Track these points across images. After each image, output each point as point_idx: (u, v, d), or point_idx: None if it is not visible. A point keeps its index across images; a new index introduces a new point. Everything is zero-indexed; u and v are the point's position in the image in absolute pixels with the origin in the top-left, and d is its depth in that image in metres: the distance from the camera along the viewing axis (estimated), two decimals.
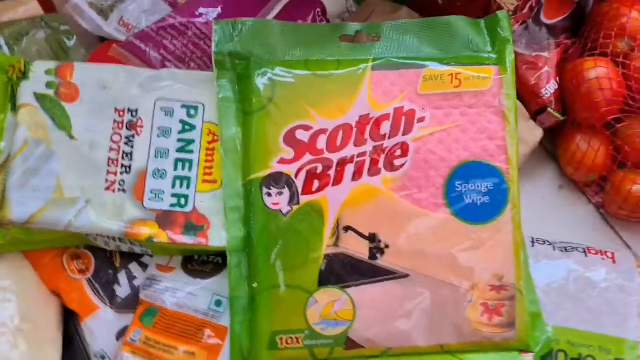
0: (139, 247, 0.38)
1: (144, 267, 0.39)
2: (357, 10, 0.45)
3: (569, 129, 0.46)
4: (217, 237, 0.36)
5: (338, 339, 0.35)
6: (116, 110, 0.36)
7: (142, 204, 0.36)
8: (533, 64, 0.45)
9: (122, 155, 0.36)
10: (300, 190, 0.36)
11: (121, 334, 0.38)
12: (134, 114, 0.37)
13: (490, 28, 0.39)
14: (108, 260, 0.39)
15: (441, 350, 0.36)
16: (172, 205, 0.36)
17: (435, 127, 0.37)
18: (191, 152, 0.37)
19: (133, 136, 0.36)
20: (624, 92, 0.43)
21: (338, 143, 0.36)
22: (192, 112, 0.37)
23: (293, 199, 0.36)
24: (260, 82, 0.36)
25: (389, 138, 0.36)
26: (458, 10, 0.41)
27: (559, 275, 0.40)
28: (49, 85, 0.36)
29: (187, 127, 0.37)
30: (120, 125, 0.36)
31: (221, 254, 0.38)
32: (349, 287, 0.35)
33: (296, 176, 0.36)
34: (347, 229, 0.36)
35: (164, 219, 0.36)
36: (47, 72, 0.36)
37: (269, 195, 0.36)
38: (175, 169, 0.37)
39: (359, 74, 0.37)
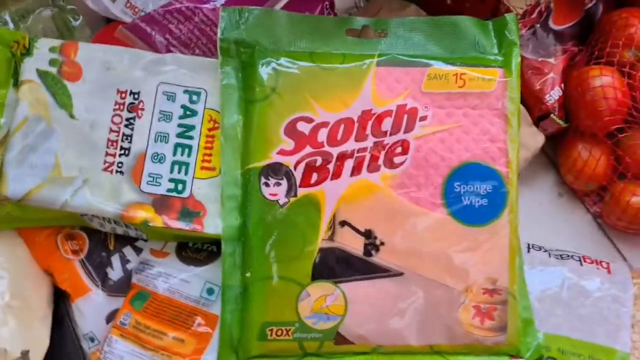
0: (134, 230, 0.38)
1: (138, 251, 0.39)
2: (365, 5, 0.45)
3: (571, 136, 0.46)
4: (213, 224, 0.36)
5: (328, 333, 0.35)
6: (118, 91, 0.36)
7: (139, 187, 0.36)
8: (539, 69, 0.45)
9: (122, 137, 0.36)
10: (298, 182, 0.35)
11: (111, 317, 0.38)
12: (136, 96, 0.36)
13: (498, 30, 0.39)
14: (102, 242, 0.39)
15: (431, 351, 0.36)
16: (169, 190, 0.36)
17: (437, 126, 0.37)
18: (191, 137, 0.37)
19: (134, 118, 0.36)
20: (628, 103, 0.43)
21: (339, 137, 0.36)
22: (194, 97, 0.37)
23: (291, 190, 0.35)
24: (264, 71, 0.36)
25: (390, 135, 0.36)
26: (466, 11, 0.41)
27: (553, 282, 0.40)
28: (52, 62, 0.36)
29: (188, 112, 0.37)
30: (122, 107, 0.36)
31: (216, 242, 0.38)
32: (342, 282, 0.35)
33: (295, 168, 0.36)
34: (343, 223, 0.36)
35: (160, 204, 0.36)
36: (51, 50, 0.36)
37: (267, 185, 0.35)
38: (175, 154, 0.36)
39: (363, 68, 0.36)
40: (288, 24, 0.37)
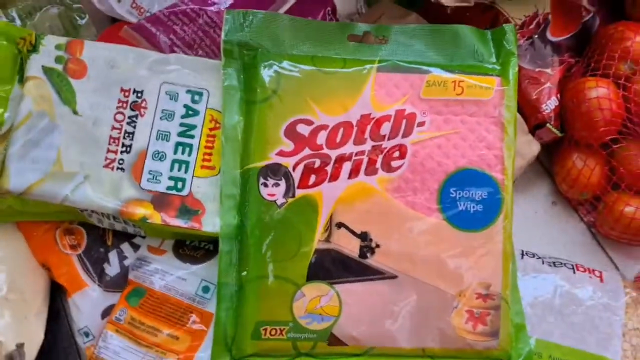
0: (132, 227, 0.38)
1: (136, 247, 0.40)
2: (366, 12, 0.46)
3: (566, 146, 0.47)
4: (211, 223, 0.36)
5: (322, 334, 0.35)
6: (122, 89, 0.37)
7: (139, 185, 0.36)
8: (535, 79, 0.45)
9: (124, 135, 0.37)
10: (296, 183, 0.36)
11: (107, 312, 0.38)
12: (139, 95, 0.37)
13: (496, 40, 0.39)
14: (100, 238, 0.40)
15: (423, 354, 0.36)
16: (168, 188, 0.36)
17: (435, 132, 0.37)
18: (192, 137, 0.37)
19: (136, 116, 0.37)
20: (622, 114, 0.43)
21: (338, 140, 0.36)
22: (197, 97, 0.37)
23: (289, 191, 0.36)
24: (266, 73, 0.37)
25: (389, 139, 0.37)
26: (466, 20, 0.41)
27: (545, 289, 0.40)
28: (58, 59, 0.36)
29: (190, 112, 0.37)
30: (125, 105, 0.37)
31: (213, 241, 0.38)
32: (337, 283, 0.36)
33: (294, 169, 0.36)
34: (340, 225, 0.36)
35: (159, 201, 0.36)
36: (57, 47, 0.36)
37: (265, 185, 0.36)
38: (175, 152, 0.37)
39: (363, 73, 0.37)
40: (291, 28, 0.38)
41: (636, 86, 0.43)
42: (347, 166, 0.36)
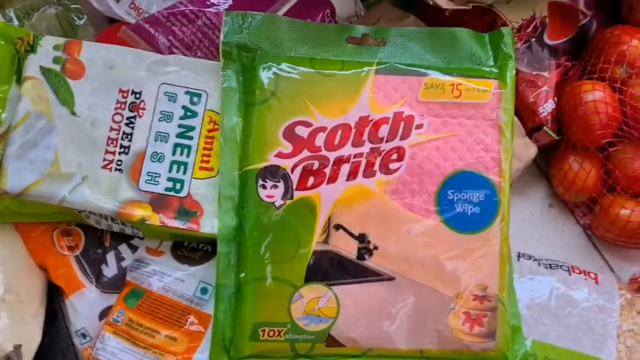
0: (130, 228, 0.38)
1: (134, 249, 0.40)
2: (365, 14, 0.46)
3: (563, 149, 0.47)
4: (209, 224, 0.36)
5: (320, 335, 0.36)
6: (120, 90, 0.37)
7: (138, 186, 0.36)
8: (533, 82, 0.46)
9: (122, 136, 0.36)
10: (295, 185, 0.36)
11: (104, 313, 0.38)
12: (138, 96, 0.37)
13: (494, 43, 0.39)
14: (98, 239, 0.40)
15: (421, 355, 0.36)
16: (167, 189, 0.36)
17: (433, 134, 0.37)
18: (191, 138, 0.37)
19: (134, 117, 0.37)
20: (618, 117, 0.44)
21: (336, 142, 0.37)
22: (195, 99, 0.37)
23: (287, 193, 0.36)
24: (265, 75, 0.37)
25: (387, 141, 0.37)
26: (464, 23, 0.41)
27: (541, 291, 0.41)
28: (55, 60, 0.36)
29: (189, 113, 0.37)
30: (123, 106, 0.37)
31: (211, 243, 0.38)
32: (334, 285, 0.36)
33: (292, 171, 0.36)
34: (338, 227, 0.36)
35: (157, 202, 0.36)
36: (55, 48, 0.36)
37: (264, 187, 0.36)
38: (174, 153, 0.37)
39: (362, 76, 0.37)
40: (290, 30, 0.38)
41: (632, 90, 0.44)
42: (345, 168, 0.36)
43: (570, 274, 0.42)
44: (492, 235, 0.37)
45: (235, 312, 0.36)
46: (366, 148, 0.37)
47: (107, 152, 0.36)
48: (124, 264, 0.39)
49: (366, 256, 0.36)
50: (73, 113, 0.36)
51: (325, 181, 0.36)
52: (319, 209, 0.36)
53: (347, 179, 0.36)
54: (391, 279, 0.36)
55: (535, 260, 0.43)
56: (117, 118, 0.37)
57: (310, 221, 0.36)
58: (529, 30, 0.46)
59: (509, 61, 0.39)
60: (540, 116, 0.45)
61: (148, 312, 0.37)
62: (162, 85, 0.37)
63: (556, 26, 0.46)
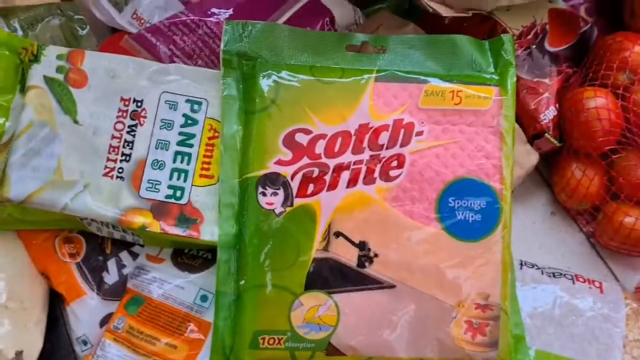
0: (131, 235, 0.38)
1: (134, 256, 0.40)
2: (365, 22, 0.46)
3: (565, 156, 0.47)
4: (210, 231, 0.36)
5: (320, 343, 0.35)
6: (122, 99, 0.37)
7: (138, 193, 0.36)
8: (534, 89, 0.45)
9: (124, 144, 0.37)
10: (295, 192, 0.36)
11: (105, 320, 0.38)
12: (139, 104, 0.37)
13: (494, 50, 0.39)
14: (99, 246, 0.40)
15: None
16: (167, 197, 0.37)
17: (433, 141, 0.37)
18: (191, 146, 0.37)
19: (136, 126, 0.37)
20: (621, 124, 0.44)
21: (336, 149, 0.37)
22: (196, 107, 0.38)
23: (287, 200, 0.36)
24: (265, 83, 0.37)
25: (387, 148, 0.37)
26: (464, 31, 0.41)
27: (545, 299, 0.40)
28: (59, 69, 0.37)
29: (189, 121, 0.38)
30: (125, 114, 0.37)
31: (211, 250, 0.39)
32: (335, 292, 0.36)
33: (292, 178, 0.36)
34: (338, 234, 0.36)
35: (158, 209, 0.36)
36: (59, 57, 0.37)
37: (264, 194, 0.36)
38: (174, 161, 0.37)
39: (362, 83, 0.37)
40: (290, 38, 0.38)
41: (635, 96, 0.43)
42: (345, 175, 0.36)
43: (574, 283, 0.41)
44: (494, 243, 0.37)
45: (235, 319, 0.36)
46: (366, 155, 0.37)
47: (108, 159, 0.36)
48: (124, 271, 0.39)
49: (366, 264, 0.36)
50: (75, 122, 0.36)
51: (325, 188, 0.36)
52: (319, 216, 0.36)
53: (347, 186, 0.36)
54: (392, 286, 0.36)
55: (538, 268, 0.42)
56: (119, 126, 0.37)
57: (310, 228, 0.36)
58: (529, 37, 0.46)
59: (510, 68, 0.39)
60: (542, 123, 0.45)
61: (148, 320, 0.37)
62: (163, 94, 0.38)
63: (557, 33, 0.46)
